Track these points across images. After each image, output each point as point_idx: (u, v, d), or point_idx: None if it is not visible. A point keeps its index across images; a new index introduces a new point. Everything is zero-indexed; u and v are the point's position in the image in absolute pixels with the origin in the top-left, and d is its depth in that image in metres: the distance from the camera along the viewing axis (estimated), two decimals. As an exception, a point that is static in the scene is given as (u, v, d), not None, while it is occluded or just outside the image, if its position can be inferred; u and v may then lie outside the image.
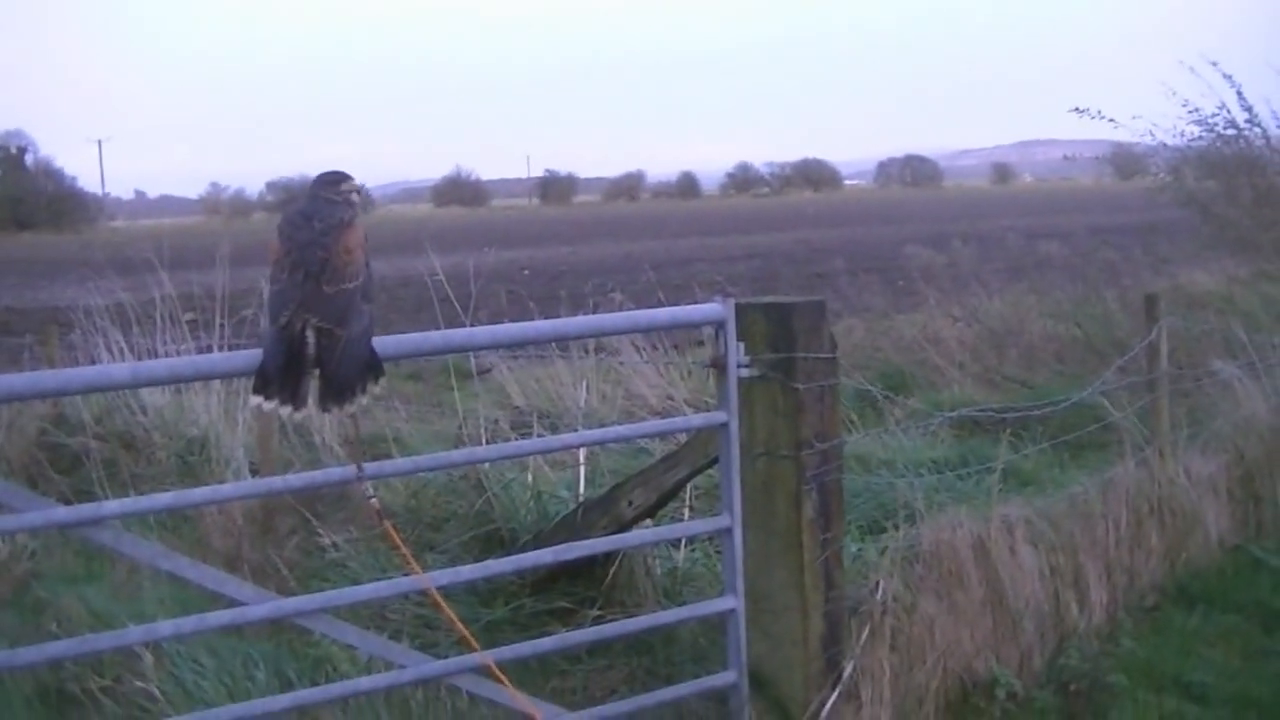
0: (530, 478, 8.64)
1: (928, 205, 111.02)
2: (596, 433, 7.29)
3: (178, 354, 12.64)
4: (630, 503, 6.74)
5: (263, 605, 4.89)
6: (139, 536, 5.16)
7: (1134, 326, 12.46)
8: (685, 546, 7.94)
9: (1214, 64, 18.58)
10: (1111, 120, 20.15)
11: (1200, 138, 19.67)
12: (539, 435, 9.79)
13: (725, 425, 5.65)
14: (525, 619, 7.26)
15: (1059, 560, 7.62)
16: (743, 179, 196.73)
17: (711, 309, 5.61)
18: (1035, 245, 28.30)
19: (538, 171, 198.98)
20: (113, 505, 4.73)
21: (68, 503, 8.94)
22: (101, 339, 13.26)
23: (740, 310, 5.61)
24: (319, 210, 4.77)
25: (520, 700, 5.35)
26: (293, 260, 4.63)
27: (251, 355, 4.64)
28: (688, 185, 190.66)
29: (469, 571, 5.70)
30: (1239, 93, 19.34)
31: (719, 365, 5.65)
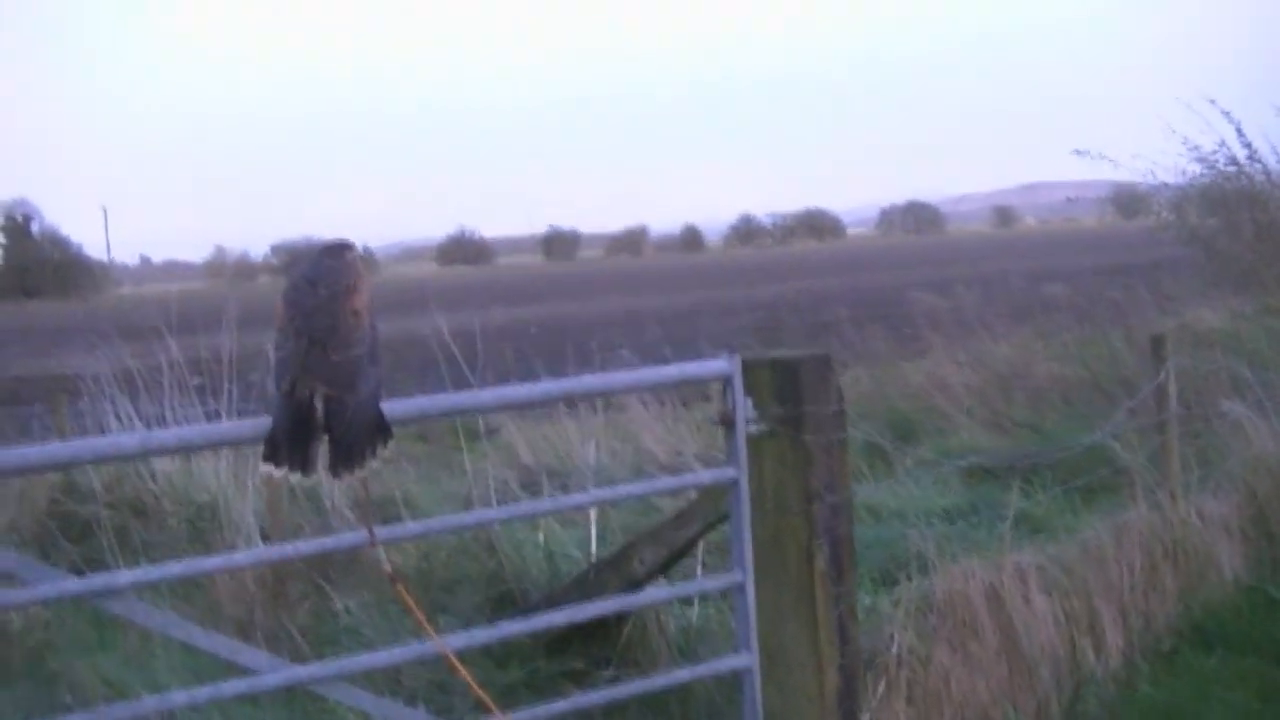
0: (541, 537, 8.63)
1: (931, 251, 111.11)
2: (607, 491, 7.29)
3: (186, 420, 12.64)
4: (642, 561, 6.73)
5: (277, 673, 4.88)
6: (152, 605, 5.16)
7: (1141, 366, 12.44)
8: (698, 602, 7.93)
9: (1212, 101, 18.64)
10: (1113, 161, 20.22)
11: (1201, 175, 19.73)
12: (549, 494, 9.78)
13: (735, 481, 5.64)
14: (540, 681, 7.23)
15: (1073, 606, 7.59)
16: (746, 230, 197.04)
17: (718, 365, 5.61)
18: (1039, 287, 28.31)
19: (541, 228, 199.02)
20: (125, 576, 4.72)
21: (79, 571, 9.00)
22: (110, 406, 13.25)
23: (747, 366, 5.61)
24: (323, 275, 4.76)
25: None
26: (297, 327, 4.63)
27: (260, 423, 4.64)
28: (691, 238, 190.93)
29: (483, 634, 5.68)
30: (1238, 129, 19.41)
31: (727, 421, 5.64)
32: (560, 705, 5.50)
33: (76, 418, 14.83)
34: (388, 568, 5.34)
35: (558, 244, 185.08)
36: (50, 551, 11.17)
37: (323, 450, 4.58)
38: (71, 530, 11.80)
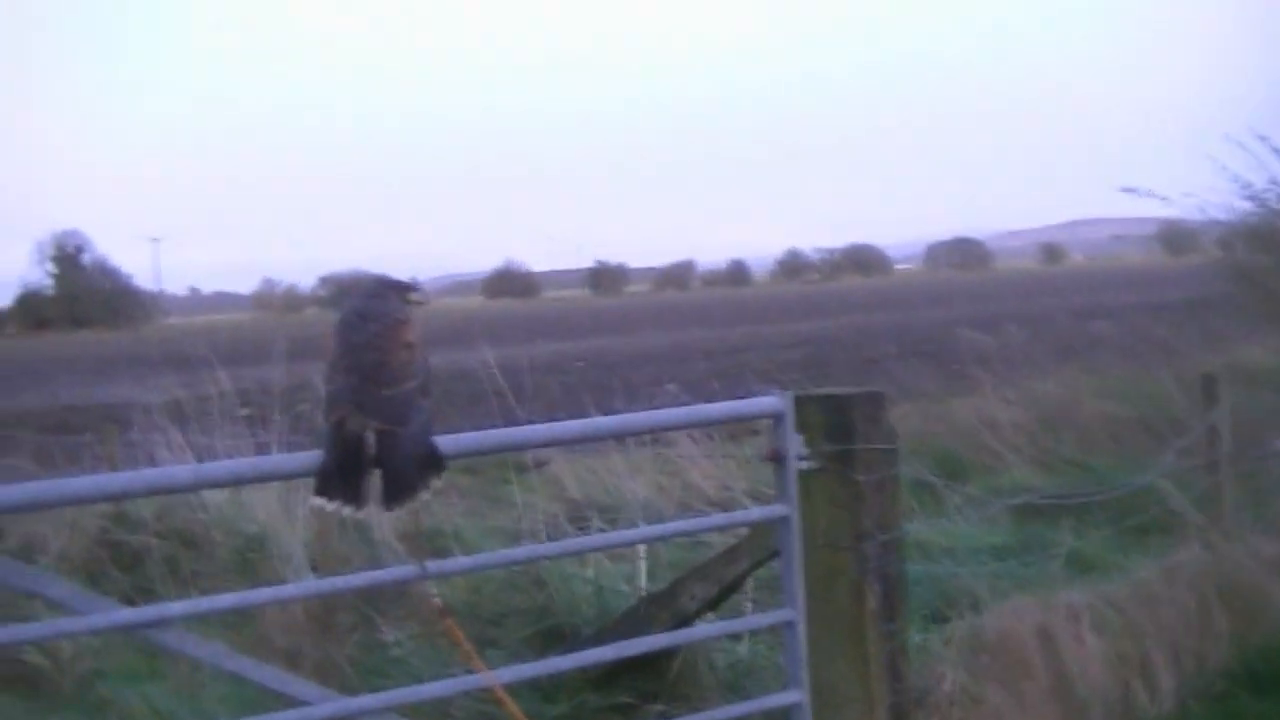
0: (590, 571, 8.63)
1: (978, 287, 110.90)
2: (658, 528, 7.27)
3: (235, 450, 12.69)
4: (692, 596, 6.72)
5: (327, 705, 4.88)
6: (201, 635, 5.17)
7: (1190, 405, 12.37)
8: (747, 639, 7.91)
9: (1263, 138, 18.52)
10: (1161, 197, 20.11)
11: (1251, 212, 19.60)
12: (598, 529, 9.77)
13: (786, 518, 5.62)
14: (588, 715, 7.23)
15: (1125, 646, 7.55)
16: (792, 265, 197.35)
17: (769, 402, 5.60)
18: (1087, 325, 28.23)
19: (588, 262, 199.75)
20: (176, 607, 4.73)
21: (129, 600, 9.03)
22: (160, 436, 13.32)
23: (798, 402, 5.60)
24: (373, 310, 4.76)
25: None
26: (348, 363, 4.63)
27: (311, 457, 4.64)
28: (738, 273, 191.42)
29: (533, 668, 5.67)
30: (1289, 165, 19.27)
31: (778, 458, 5.62)
32: (609, 740, 5.49)
33: (126, 447, 14.90)
34: (438, 601, 5.34)
35: (604, 278, 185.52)
36: (100, 580, 11.21)
37: (374, 483, 4.58)
38: (121, 559, 11.84)
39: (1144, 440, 14.59)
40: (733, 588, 6.92)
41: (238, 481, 7.37)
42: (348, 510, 4.53)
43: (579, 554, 8.39)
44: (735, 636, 7.77)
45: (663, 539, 8.90)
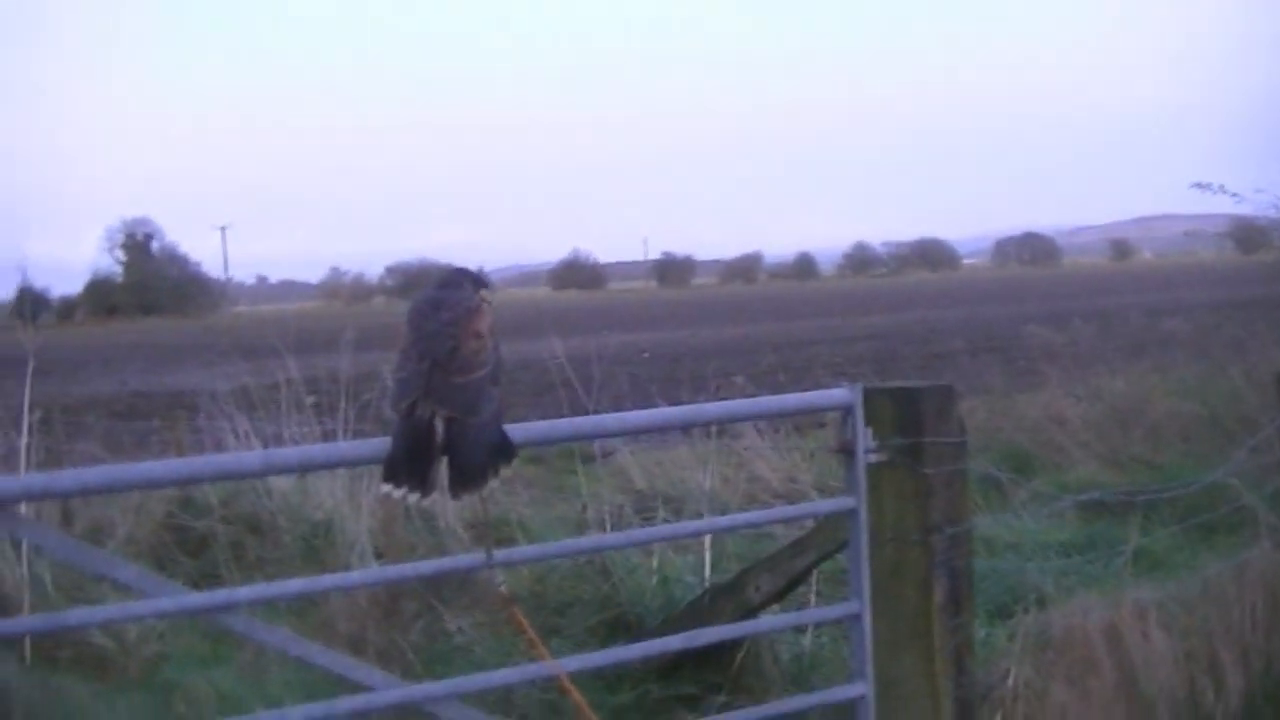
0: (655, 562, 8.63)
1: (1046, 283, 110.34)
2: (725, 519, 7.28)
3: (301, 438, 12.75)
4: (758, 588, 6.72)
5: (392, 691, 4.90)
6: (266, 620, 5.19)
7: (1262, 404, 12.26)
8: (812, 632, 7.89)
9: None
10: (1234, 194, 19.93)
11: (1326, 210, 19.40)
12: (663, 520, 9.77)
13: (854, 511, 5.61)
14: (652, 705, 7.23)
15: (1193, 646, 7.47)
16: (860, 259, 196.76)
17: (839, 394, 5.59)
18: (1157, 322, 28.00)
19: (655, 254, 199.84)
20: (245, 592, 4.77)
21: (195, 585, 9.10)
22: (227, 423, 13.39)
23: (868, 395, 5.59)
24: (447, 299, 4.78)
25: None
26: (420, 350, 4.64)
27: (381, 443, 4.67)
28: (805, 266, 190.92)
29: (597, 658, 5.69)
30: (1366, 162, 19.10)
31: (847, 450, 5.61)
32: (673, 730, 5.49)
33: (193, 434, 15.00)
34: (504, 589, 5.35)
35: (671, 270, 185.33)
36: (166, 565, 11.28)
37: (442, 471, 4.59)
38: (187, 544, 11.91)
39: (1214, 438, 14.47)
40: (799, 580, 6.92)
41: (308, 467, 7.42)
42: (414, 498, 4.55)
43: (644, 544, 8.40)
44: (799, 629, 7.75)
45: (728, 531, 8.89)
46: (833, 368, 31.39)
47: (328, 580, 6.30)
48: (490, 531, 5.21)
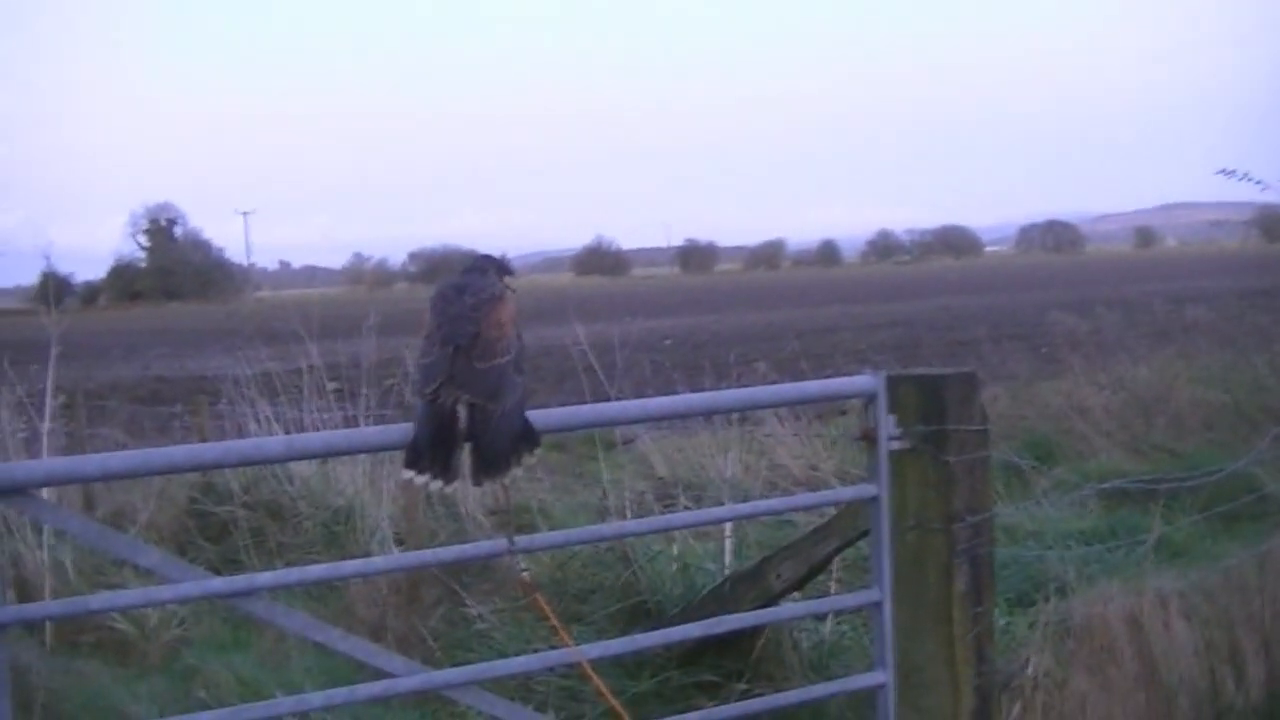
0: (676, 549, 8.63)
1: (1070, 270, 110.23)
2: (747, 506, 7.27)
3: (323, 424, 12.77)
4: (779, 575, 6.71)
5: (413, 677, 4.90)
6: (287, 606, 5.20)
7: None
8: (832, 619, 7.89)
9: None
10: (1259, 182, 19.86)
11: (1351, 198, 19.34)
12: (684, 507, 9.77)
13: (876, 498, 5.60)
14: (671, 692, 7.22)
15: (1214, 635, 7.45)
16: (883, 246, 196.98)
17: (863, 381, 5.58)
18: (1181, 310, 27.92)
19: (678, 240, 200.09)
20: (265, 577, 4.76)
21: (216, 571, 9.11)
22: (249, 409, 13.42)
23: (891, 382, 5.57)
24: (471, 284, 4.77)
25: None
26: (444, 335, 4.64)
27: (404, 429, 4.66)
28: (828, 253, 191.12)
29: (618, 645, 5.67)
30: (1390, 151, 19.03)
31: (869, 437, 5.60)
32: (692, 717, 5.48)
33: (216, 419, 15.04)
34: (526, 575, 5.35)
35: (694, 257, 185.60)
36: (187, 550, 11.32)
37: (465, 458, 4.59)
38: (209, 530, 11.94)
39: (1238, 427, 14.46)
40: (820, 568, 6.91)
41: (330, 453, 7.43)
42: (437, 484, 4.54)
43: (665, 531, 8.40)
44: (819, 616, 7.75)
45: (750, 518, 8.89)
46: (856, 355, 31.40)
47: (349, 566, 6.31)
48: (512, 518, 5.20)
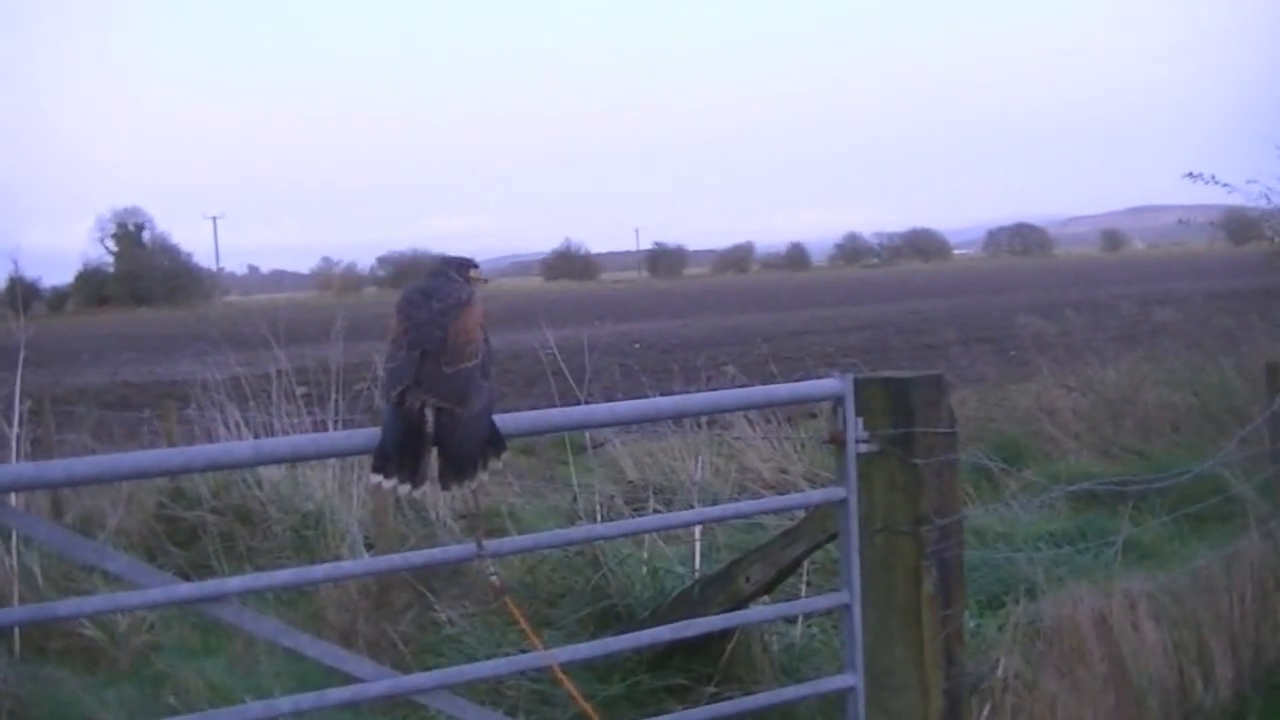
0: (646, 553, 8.63)
1: (1038, 273, 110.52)
2: (716, 510, 7.27)
3: (293, 428, 12.76)
4: (748, 579, 6.72)
5: (383, 682, 4.89)
6: (257, 611, 5.19)
7: (1253, 394, 12.27)
8: (802, 622, 7.90)
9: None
10: (1225, 185, 19.95)
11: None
12: (654, 510, 9.78)
13: (844, 501, 5.60)
14: (642, 696, 7.23)
15: (1183, 636, 7.48)
16: (851, 249, 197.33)
17: (830, 384, 5.58)
18: (1149, 312, 28.03)
19: (647, 244, 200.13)
20: (234, 582, 4.75)
21: (186, 576, 9.09)
22: (218, 414, 13.40)
23: (859, 385, 5.58)
24: (438, 289, 4.77)
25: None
26: (410, 339, 4.63)
27: (372, 433, 4.65)
28: (797, 256, 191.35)
29: (588, 648, 5.67)
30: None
31: (837, 440, 5.60)
32: (663, 720, 5.48)
33: (184, 424, 15.01)
34: (496, 579, 5.35)
35: (663, 260, 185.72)
36: (157, 555, 11.30)
37: (433, 462, 4.58)
38: (178, 535, 11.93)
39: (1205, 429, 14.50)
40: (789, 570, 6.92)
41: (298, 457, 7.41)
42: (405, 489, 4.53)
43: (635, 535, 8.41)
44: (789, 619, 7.76)
45: (719, 521, 8.90)
46: (825, 358, 31.43)
47: (318, 571, 6.29)
48: (483, 522, 5.19)
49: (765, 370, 20.80)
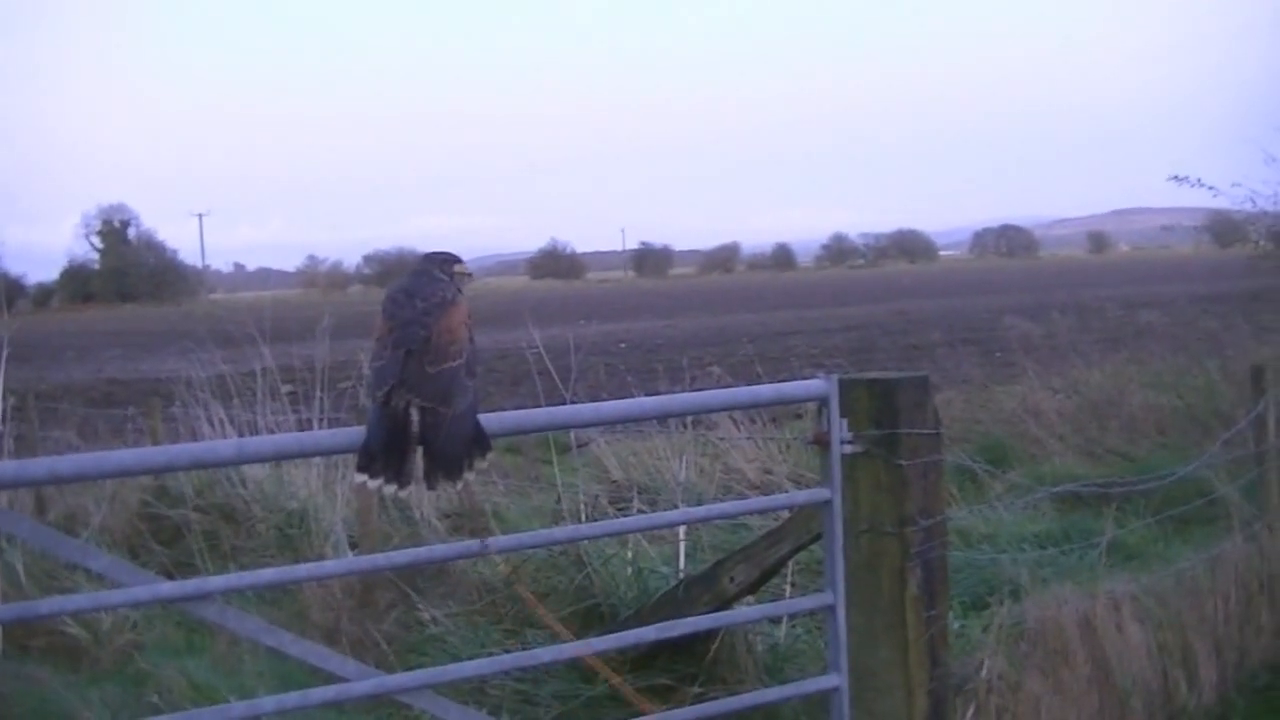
0: (630, 553, 8.63)
1: (1024, 275, 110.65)
2: (700, 510, 7.26)
3: (277, 426, 12.74)
4: (733, 579, 6.72)
5: (366, 681, 4.88)
6: (241, 610, 5.17)
7: (1238, 397, 12.30)
8: (787, 623, 7.90)
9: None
10: (1211, 188, 20.02)
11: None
12: (639, 510, 9.77)
13: (829, 502, 5.60)
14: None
15: (1167, 638, 7.50)
16: (838, 250, 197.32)
17: (815, 385, 5.57)
18: (1134, 315, 28.11)
19: (633, 244, 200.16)
20: (218, 581, 4.73)
21: (169, 575, 9.07)
22: (203, 411, 13.38)
23: (844, 386, 5.57)
24: (422, 288, 4.75)
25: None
26: (395, 339, 4.62)
27: (355, 432, 4.63)
28: (783, 257, 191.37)
29: (573, 648, 5.66)
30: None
31: (822, 441, 5.59)
32: (648, 721, 5.47)
33: (169, 422, 14.98)
34: (504, 568, 5.34)
35: (649, 260, 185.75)
36: (140, 553, 11.28)
37: (418, 461, 4.56)
38: (162, 533, 11.90)
39: (1190, 431, 14.54)
40: (774, 571, 6.92)
41: (281, 456, 7.40)
42: (390, 488, 4.51)
43: (620, 535, 8.40)
44: (774, 620, 7.76)
45: (704, 521, 8.89)
46: (810, 359, 31.44)
47: (301, 570, 6.28)
48: (488, 520, 5.20)
49: (750, 371, 20.81)
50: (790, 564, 7.69)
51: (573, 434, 12.53)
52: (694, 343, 42.44)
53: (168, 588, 4.68)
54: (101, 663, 9.44)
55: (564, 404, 9.34)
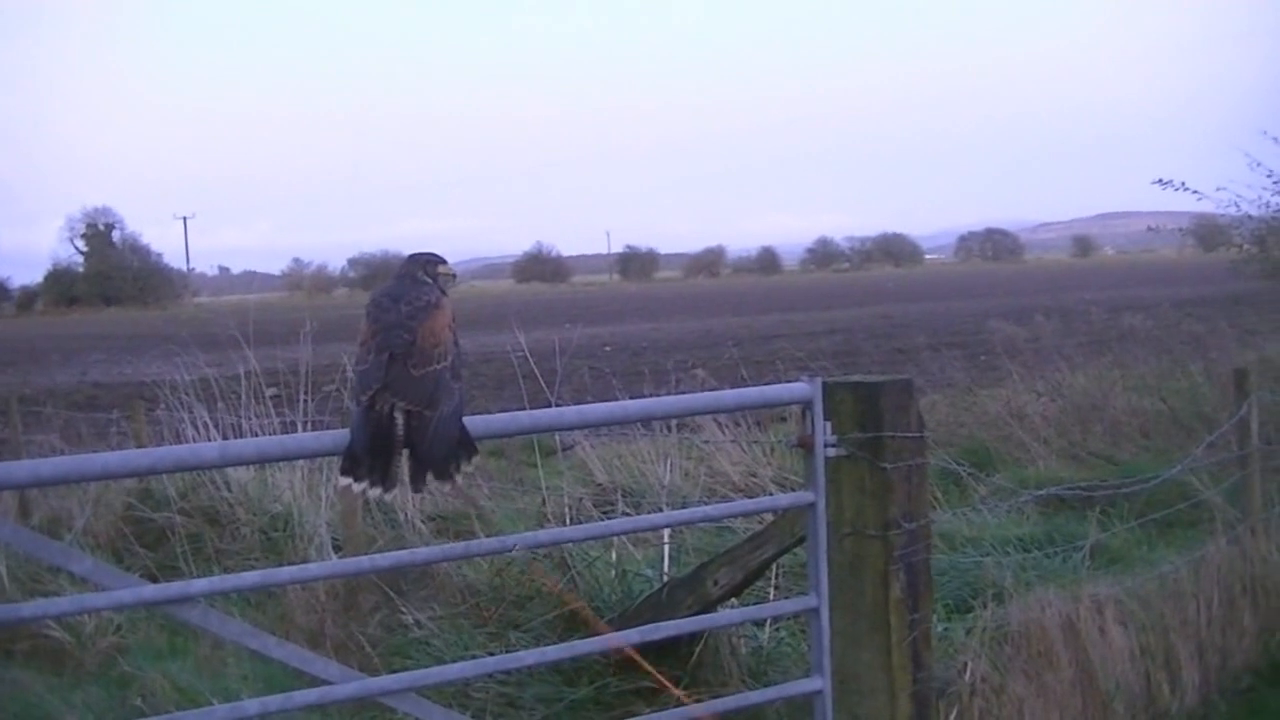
0: (614, 556, 8.63)
1: (1009, 279, 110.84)
2: (684, 513, 7.25)
3: (261, 429, 12.73)
4: (716, 582, 6.72)
5: (350, 684, 4.87)
6: (224, 613, 5.16)
7: (1221, 400, 12.34)
8: (770, 626, 7.90)
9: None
10: (1195, 192, 20.05)
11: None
12: (623, 513, 9.77)
13: (812, 505, 5.60)
14: (610, 698, 7.22)
15: (1150, 640, 7.51)
16: (823, 253, 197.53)
17: (799, 388, 5.58)
18: (1118, 318, 28.12)
19: (618, 247, 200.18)
20: (201, 583, 4.73)
21: (153, 578, 9.06)
22: (187, 415, 13.37)
23: (828, 389, 5.57)
24: (406, 292, 4.75)
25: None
26: (379, 342, 4.62)
27: (340, 435, 4.63)
28: (768, 260, 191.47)
29: (557, 651, 5.66)
30: (1322, 163, 19.21)
31: (806, 444, 5.60)
32: (631, 723, 5.48)
33: (153, 425, 14.97)
34: (516, 551, 5.33)
35: (634, 264, 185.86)
36: (124, 556, 11.27)
37: (403, 464, 4.56)
38: (146, 536, 11.89)
39: (1173, 434, 14.57)
40: (758, 574, 6.92)
41: (264, 459, 7.38)
42: (375, 491, 4.51)
43: (604, 538, 8.40)
44: (758, 623, 7.76)
45: (688, 524, 8.90)
46: (795, 362, 31.41)
47: (285, 573, 6.28)
48: (471, 522, 5.19)
49: (735, 374, 20.81)
50: (774, 567, 7.69)
51: (558, 437, 12.54)
52: (679, 346, 42.45)
53: (151, 591, 4.67)
54: (85, 666, 9.42)
55: (548, 407, 9.35)
